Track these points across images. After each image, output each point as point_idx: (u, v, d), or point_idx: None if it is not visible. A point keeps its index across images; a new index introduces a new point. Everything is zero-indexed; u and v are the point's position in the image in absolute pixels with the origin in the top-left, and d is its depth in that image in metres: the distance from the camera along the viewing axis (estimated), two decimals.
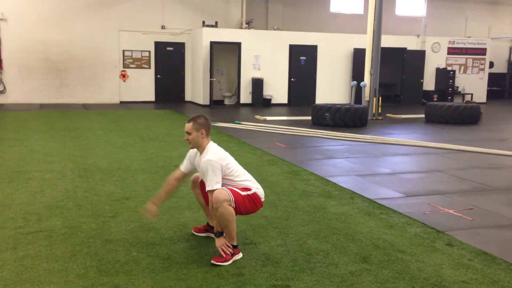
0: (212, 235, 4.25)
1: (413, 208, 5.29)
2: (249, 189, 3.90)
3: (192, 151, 4.07)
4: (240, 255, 3.83)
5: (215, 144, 3.98)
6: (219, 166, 3.79)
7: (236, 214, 3.77)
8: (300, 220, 4.79)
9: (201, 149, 3.93)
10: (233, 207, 3.73)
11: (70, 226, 4.46)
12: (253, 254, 3.91)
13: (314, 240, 4.24)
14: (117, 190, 5.75)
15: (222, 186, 3.80)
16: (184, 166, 4.12)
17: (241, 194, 3.81)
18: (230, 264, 3.70)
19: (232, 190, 3.79)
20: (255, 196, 3.92)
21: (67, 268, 3.58)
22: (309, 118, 12.91)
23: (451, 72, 19.61)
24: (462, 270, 3.69)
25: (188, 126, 3.90)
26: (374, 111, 13.88)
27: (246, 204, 3.84)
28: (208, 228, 4.29)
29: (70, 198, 5.38)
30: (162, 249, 3.97)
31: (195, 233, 4.33)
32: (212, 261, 3.70)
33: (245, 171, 4.03)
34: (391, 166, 7.67)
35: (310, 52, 18.07)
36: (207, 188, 3.79)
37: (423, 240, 4.29)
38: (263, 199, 4.02)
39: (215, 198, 3.69)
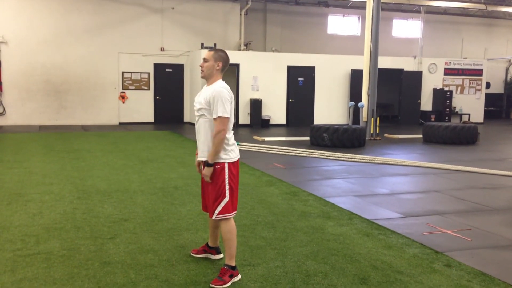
0: (211, 256, 4.25)
1: (411, 228, 5.29)
2: (223, 167, 3.76)
3: (203, 88, 3.95)
4: (238, 277, 3.83)
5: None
6: (231, 99, 3.73)
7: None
8: (298, 241, 4.78)
9: (211, 80, 3.84)
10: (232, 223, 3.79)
11: (69, 248, 4.46)
12: (251, 276, 3.90)
13: (312, 261, 4.23)
14: (115, 211, 5.75)
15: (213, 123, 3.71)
16: (196, 107, 3.98)
17: (229, 191, 3.78)
18: (229, 286, 3.69)
19: (219, 194, 3.77)
20: (230, 167, 3.79)
21: None
22: (308, 138, 12.96)
23: (448, 93, 19.77)
24: None
25: (209, 53, 3.85)
26: (372, 132, 13.95)
27: (235, 187, 3.83)
28: (207, 248, 4.28)
29: (69, 220, 5.38)
30: (160, 271, 3.96)
31: (194, 255, 4.32)
32: (211, 285, 3.69)
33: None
34: (389, 186, 7.69)
35: (308, 73, 18.22)
36: (218, 114, 3.66)
37: (422, 261, 4.29)
38: (235, 159, 3.85)
39: (221, 137, 3.66)
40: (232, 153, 3.84)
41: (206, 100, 3.76)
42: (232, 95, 3.84)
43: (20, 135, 13.73)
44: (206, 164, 3.81)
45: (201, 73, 3.89)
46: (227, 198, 3.78)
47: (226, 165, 3.79)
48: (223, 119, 3.68)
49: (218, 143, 3.70)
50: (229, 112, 3.71)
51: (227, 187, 3.79)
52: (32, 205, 5.99)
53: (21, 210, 5.75)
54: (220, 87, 3.75)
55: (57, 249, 4.42)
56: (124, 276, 3.85)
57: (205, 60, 3.85)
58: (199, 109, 3.83)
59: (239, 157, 3.93)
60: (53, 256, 4.26)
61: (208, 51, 3.90)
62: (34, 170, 8.30)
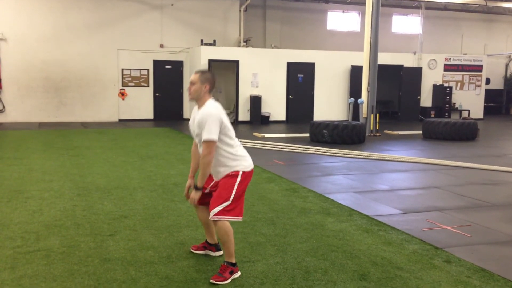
0: (210, 253, 4.26)
1: (411, 224, 5.29)
2: (236, 175, 3.82)
3: (194, 111, 4.00)
4: (238, 273, 3.83)
5: (216, 102, 3.92)
6: (218, 118, 3.74)
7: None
8: (298, 237, 4.79)
9: (200, 102, 3.88)
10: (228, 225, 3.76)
11: (68, 245, 4.46)
12: (251, 272, 3.90)
13: (312, 258, 4.24)
14: (115, 208, 5.76)
15: (216, 146, 3.76)
16: (192, 131, 4.03)
17: (234, 198, 3.77)
18: (229, 282, 3.69)
19: (222, 196, 3.76)
20: (243, 176, 3.84)
21: None
22: (307, 135, 12.96)
23: (448, 89, 19.76)
24: (461, 287, 3.69)
25: (195, 76, 3.88)
26: (371, 128, 13.94)
27: (240, 195, 3.85)
28: (207, 245, 4.29)
29: (69, 217, 5.38)
30: (160, 268, 3.97)
31: (193, 251, 4.32)
32: (211, 281, 3.69)
33: (237, 140, 3.97)
34: (389, 182, 7.69)
35: (307, 69, 18.20)
36: (204, 137, 3.71)
37: (421, 257, 4.29)
38: (251, 168, 3.92)
39: (208, 160, 3.72)
40: (244, 161, 3.88)
41: (199, 124, 3.80)
42: (223, 111, 3.86)
43: (20, 132, 13.73)
44: (194, 187, 3.88)
45: (189, 96, 3.93)
46: (228, 202, 3.76)
47: (240, 173, 3.84)
48: (208, 143, 3.71)
49: (205, 167, 3.76)
50: (215, 134, 3.71)
51: (233, 192, 3.79)
52: (32, 202, 5.99)
53: (21, 207, 5.75)
54: (209, 108, 3.78)
55: (57, 246, 4.43)
56: (124, 273, 3.85)
57: (192, 83, 3.88)
58: (197, 135, 3.87)
59: (252, 166, 3.95)
60: (53, 253, 4.26)
61: (194, 73, 3.93)
62: (34, 167, 8.30)
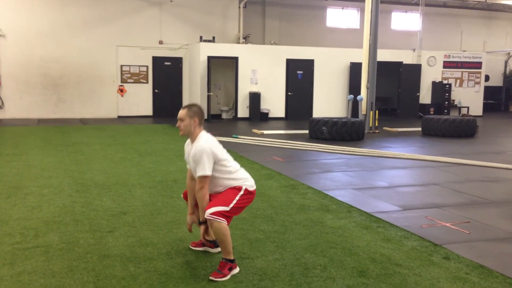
0: (209, 249, 4.26)
1: (410, 221, 5.30)
2: (239, 189, 3.88)
3: (187, 144, 4.07)
4: (237, 269, 3.83)
5: (208, 134, 3.98)
6: (211, 153, 3.78)
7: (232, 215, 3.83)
8: (297, 234, 4.79)
9: (192, 137, 3.93)
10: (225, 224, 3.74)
11: (67, 242, 4.46)
12: (250, 269, 3.91)
13: (311, 254, 4.24)
14: (114, 205, 5.75)
15: (214, 176, 3.82)
16: (188, 163, 4.10)
17: (232, 206, 3.78)
18: (228, 279, 3.70)
19: (223, 201, 3.77)
20: (246, 193, 3.90)
21: (64, 284, 3.57)
22: (306, 132, 12.95)
23: (447, 86, 19.75)
24: (459, 284, 3.70)
25: (182, 112, 3.90)
26: (371, 125, 13.94)
27: (239, 210, 3.88)
28: (205, 242, 4.29)
29: (68, 213, 5.38)
30: (159, 264, 3.97)
31: (193, 248, 4.33)
32: (210, 277, 3.69)
33: (236, 163, 4.03)
34: (388, 179, 7.70)
35: (307, 66, 18.19)
36: (198, 174, 3.77)
37: (420, 254, 4.30)
38: (253, 188, 3.98)
39: (203, 194, 3.78)
40: (247, 182, 3.95)
41: (194, 160, 3.84)
42: (215, 143, 3.89)
43: (19, 128, 13.71)
44: (199, 223, 3.97)
45: (180, 131, 3.96)
46: (227, 208, 3.75)
47: (244, 188, 3.89)
48: (201, 178, 3.78)
49: (201, 200, 3.84)
50: (209, 169, 3.76)
51: (234, 201, 3.81)
52: (31, 198, 5.99)
53: (20, 203, 5.75)
54: (201, 144, 3.80)
55: (56, 242, 4.43)
56: (123, 269, 3.85)
57: (180, 120, 3.90)
58: (193, 168, 3.89)
59: (255, 187, 4.01)
60: (52, 249, 4.26)
61: (182, 109, 3.95)
62: (33, 164, 8.29)
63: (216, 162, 3.82)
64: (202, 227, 3.97)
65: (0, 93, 16.44)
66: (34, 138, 11.59)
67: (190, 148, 3.93)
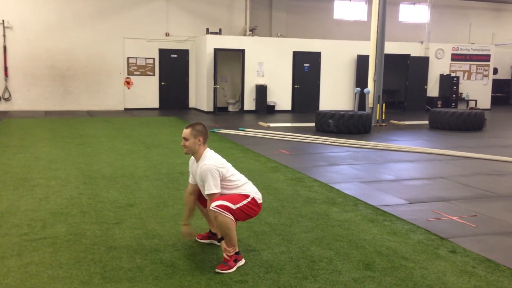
0: (215, 242, 4.27)
1: (416, 215, 5.28)
2: (247, 196, 3.91)
3: (191, 161, 4.13)
4: (243, 261, 3.84)
5: (212, 151, 4.01)
6: (217, 170, 3.82)
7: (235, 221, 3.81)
8: (303, 227, 4.79)
9: (197, 156, 3.97)
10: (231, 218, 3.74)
11: (75, 233, 4.49)
12: (256, 261, 3.92)
13: (317, 247, 4.24)
14: (121, 197, 5.78)
15: (223, 193, 3.84)
16: (190, 178, 4.18)
17: (238, 207, 3.79)
18: (234, 271, 3.71)
19: (230, 199, 3.79)
20: (253, 202, 3.92)
21: (71, 275, 3.60)
22: (313, 124, 12.92)
23: (455, 79, 19.60)
24: (466, 277, 3.69)
25: (186, 132, 3.93)
26: (377, 118, 13.88)
27: (243, 215, 3.87)
28: (211, 234, 4.30)
29: (75, 205, 5.41)
30: (165, 256, 3.99)
31: (199, 240, 4.34)
32: (216, 270, 3.70)
33: (243, 176, 4.06)
34: (395, 172, 7.67)
35: (313, 58, 18.11)
36: (206, 192, 3.83)
37: (427, 247, 4.29)
38: (260, 202, 4.02)
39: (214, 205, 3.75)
40: (255, 194, 3.96)
41: (201, 178, 3.90)
42: (220, 160, 3.93)
43: (26, 120, 13.78)
44: (217, 239, 3.96)
45: (184, 151, 3.99)
46: (233, 206, 3.76)
47: (251, 196, 3.91)
48: (211, 196, 3.83)
49: (225, 227, 3.77)
50: (217, 187, 3.82)
51: (241, 204, 3.82)
52: (38, 190, 6.02)
53: (28, 195, 5.78)
54: (206, 163, 3.84)
55: (63, 234, 4.46)
56: (130, 261, 3.87)
57: (185, 139, 3.93)
58: (202, 186, 3.94)
59: (261, 201, 4.04)
60: (60, 240, 4.29)
61: (185, 128, 3.97)
62: (40, 156, 8.33)
63: (223, 179, 3.86)
64: (223, 244, 3.83)
65: (8, 85, 16.50)
66: (41, 130, 11.64)
67: (196, 167, 3.98)
